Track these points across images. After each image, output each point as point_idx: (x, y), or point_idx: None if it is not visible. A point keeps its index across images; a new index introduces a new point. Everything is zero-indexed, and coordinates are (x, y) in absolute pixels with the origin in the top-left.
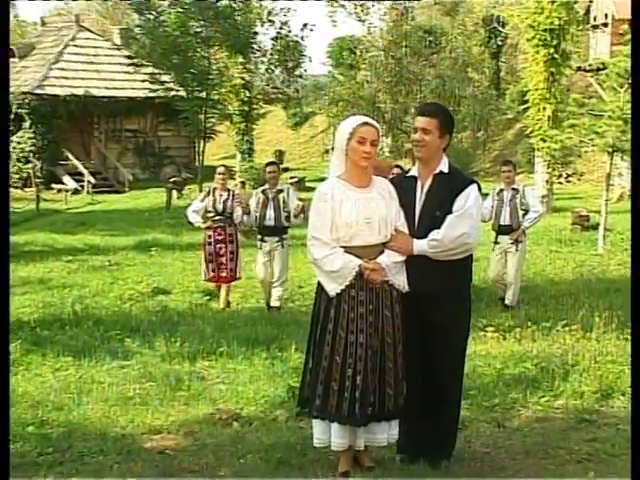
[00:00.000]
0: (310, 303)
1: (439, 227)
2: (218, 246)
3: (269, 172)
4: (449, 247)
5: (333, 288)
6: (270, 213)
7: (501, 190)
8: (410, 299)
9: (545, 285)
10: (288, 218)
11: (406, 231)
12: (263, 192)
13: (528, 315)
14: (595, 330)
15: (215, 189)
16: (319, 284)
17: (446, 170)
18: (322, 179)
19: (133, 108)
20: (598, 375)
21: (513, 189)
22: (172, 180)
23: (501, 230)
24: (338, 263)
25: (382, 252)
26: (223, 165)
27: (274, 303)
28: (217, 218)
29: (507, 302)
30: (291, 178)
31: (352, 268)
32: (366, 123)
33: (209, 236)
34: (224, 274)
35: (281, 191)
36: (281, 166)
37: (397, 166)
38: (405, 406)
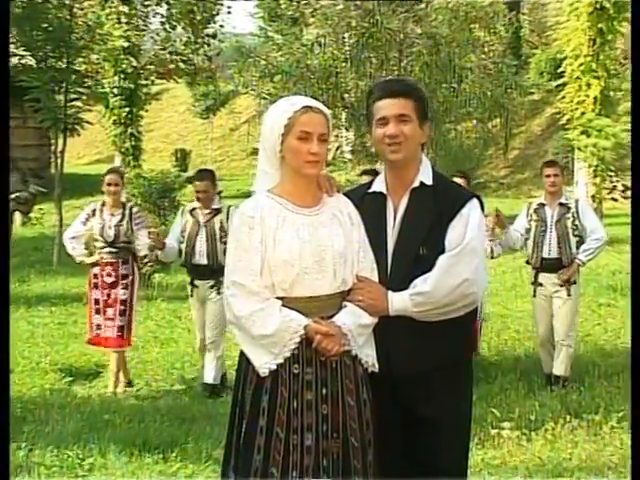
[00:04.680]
0: (230, 386)
1: (425, 272)
2: (106, 292)
3: (199, 190)
4: (443, 303)
5: (265, 363)
6: (202, 245)
7: (541, 205)
8: (384, 382)
9: (591, 357)
10: None
11: (376, 278)
12: (192, 213)
13: (565, 403)
14: None
15: (104, 206)
16: (243, 356)
17: (429, 181)
18: (248, 195)
19: None
20: None
21: (561, 204)
22: (14, 196)
23: (545, 266)
24: (273, 323)
25: (340, 308)
26: (114, 169)
27: (206, 377)
28: (107, 250)
29: (557, 372)
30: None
31: (295, 332)
32: (308, 108)
33: (95, 276)
34: (109, 334)
35: (218, 212)
36: (186, 174)
37: (370, 172)
38: None
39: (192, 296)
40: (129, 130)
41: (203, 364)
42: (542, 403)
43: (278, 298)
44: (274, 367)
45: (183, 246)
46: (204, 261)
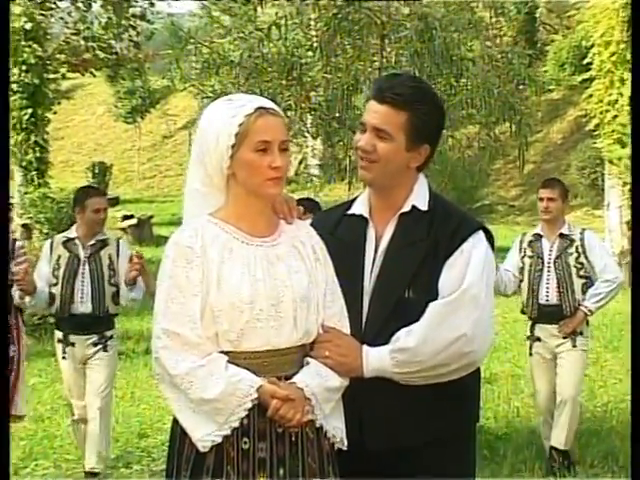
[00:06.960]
0: (161, 468)
1: (411, 321)
2: None
3: (99, 208)
4: (432, 364)
5: (206, 435)
6: (84, 287)
7: (537, 237)
8: (357, 459)
9: (624, 427)
10: (117, 296)
11: (347, 328)
12: (67, 246)
13: None
14: None
15: None
16: (177, 426)
17: (424, 206)
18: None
19: None
20: None
21: (562, 236)
22: None
23: (541, 314)
24: (217, 385)
25: (302, 366)
26: None
27: (89, 464)
28: None
29: (555, 443)
30: (124, 219)
31: (245, 395)
32: (263, 109)
33: None
34: None
35: (104, 244)
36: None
37: (305, 201)
38: None
39: (65, 358)
40: (32, 137)
41: (77, 440)
42: None
43: (223, 352)
44: (218, 440)
45: (56, 289)
46: (87, 309)
